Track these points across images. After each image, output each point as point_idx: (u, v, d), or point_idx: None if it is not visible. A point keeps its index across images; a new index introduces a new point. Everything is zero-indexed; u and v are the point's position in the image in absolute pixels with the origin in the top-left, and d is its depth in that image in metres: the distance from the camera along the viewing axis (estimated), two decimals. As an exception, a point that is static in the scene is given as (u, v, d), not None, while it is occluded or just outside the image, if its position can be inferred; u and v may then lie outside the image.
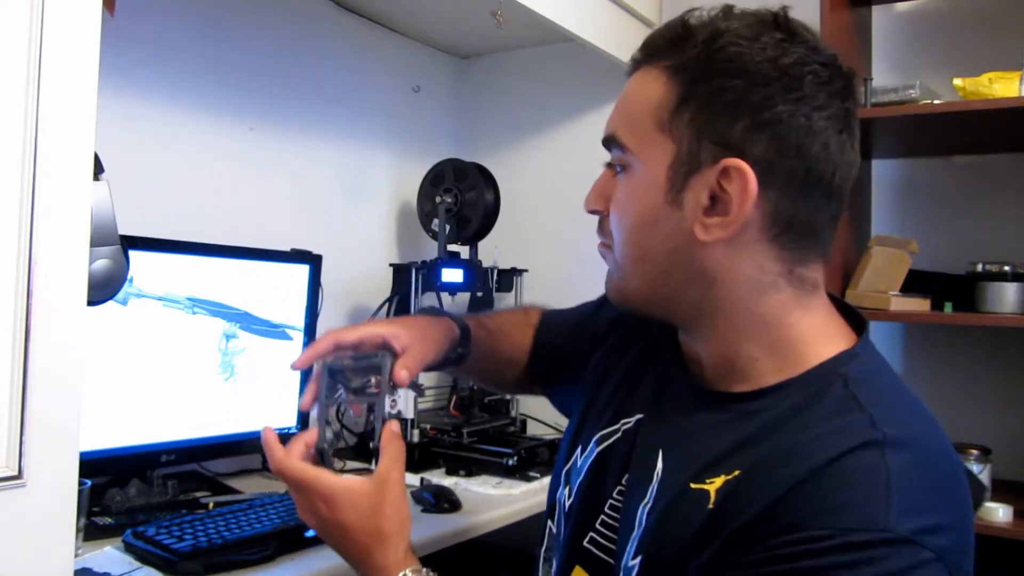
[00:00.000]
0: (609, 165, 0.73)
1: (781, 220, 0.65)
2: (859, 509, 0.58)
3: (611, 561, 0.74)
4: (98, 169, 0.72)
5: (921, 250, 1.63)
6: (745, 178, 0.63)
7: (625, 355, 0.85)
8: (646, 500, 0.71)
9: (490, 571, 1.55)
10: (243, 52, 1.69)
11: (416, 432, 1.63)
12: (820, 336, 0.68)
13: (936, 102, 1.54)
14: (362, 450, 1.67)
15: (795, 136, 0.63)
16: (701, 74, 0.65)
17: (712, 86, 0.64)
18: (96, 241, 0.71)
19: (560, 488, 0.84)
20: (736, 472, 0.64)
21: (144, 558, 1.07)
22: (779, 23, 0.66)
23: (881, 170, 1.90)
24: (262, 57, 1.73)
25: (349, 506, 0.75)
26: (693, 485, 0.66)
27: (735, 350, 0.69)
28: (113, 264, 0.76)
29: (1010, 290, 1.53)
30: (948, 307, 1.57)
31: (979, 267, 1.58)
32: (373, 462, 0.81)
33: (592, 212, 0.75)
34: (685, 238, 0.66)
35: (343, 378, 0.87)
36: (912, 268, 1.62)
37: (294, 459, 0.78)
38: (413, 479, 1.49)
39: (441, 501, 1.37)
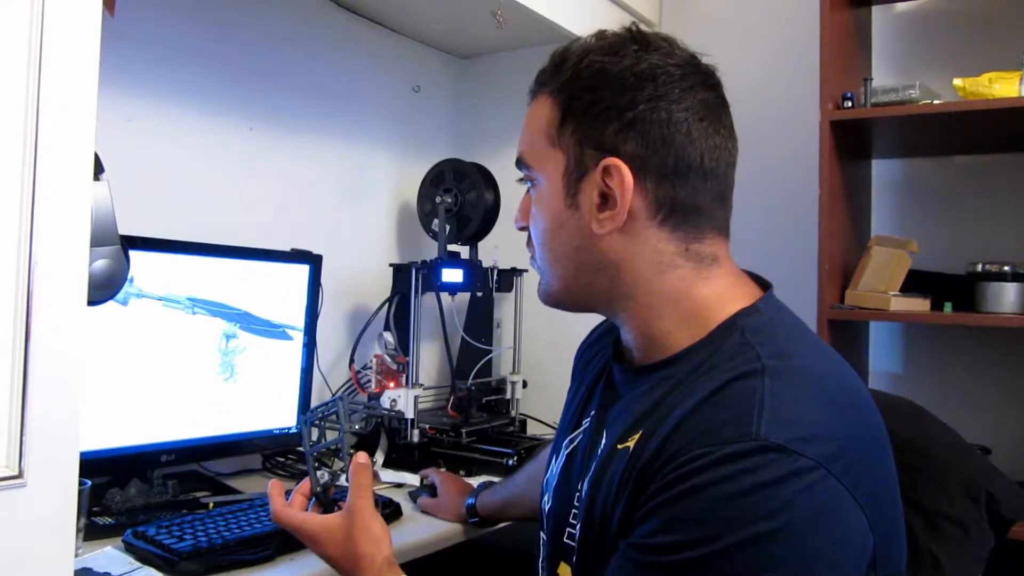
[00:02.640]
0: (521, 182, 0.82)
1: (665, 204, 0.73)
2: (733, 425, 0.62)
3: None
4: (98, 169, 0.72)
5: (921, 250, 1.63)
6: (622, 172, 0.72)
7: (587, 374, 0.92)
8: (590, 473, 0.76)
9: (490, 571, 1.54)
10: (243, 52, 1.69)
11: (416, 432, 1.63)
12: (724, 300, 0.74)
13: (936, 102, 1.54)
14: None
15: (658, 129, 0.72)
16: (574, 91, 0.75)
17: (584, 100, 0.74)
18: (96, 241, 0.71)
19: (542, 498, 0.89)
20: (650, 426, 0.70)
21: (144, 558, 1.07)
22: (635, 38, 0.75)
23: (881, 170, 1.90)
24: (262, 57, 1.73)
25: (329, 541, 0.90)
26: (619, 446, 0.73)
27: (651, 327, 0.76)
28: (113, 264, 0.76)
29: (1010, 290, 1.53)
30: (948, 307, 1.57)
31: (979, 267, 1.58)
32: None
33: (521, 229, 0.84)
34: (586, 235, 0.75)
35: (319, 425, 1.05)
36: (912, 268, 1.62)
37: (286, 508, 0.95)
38: (413, 479, 1.50)
39: (441, 501, 1.37)
